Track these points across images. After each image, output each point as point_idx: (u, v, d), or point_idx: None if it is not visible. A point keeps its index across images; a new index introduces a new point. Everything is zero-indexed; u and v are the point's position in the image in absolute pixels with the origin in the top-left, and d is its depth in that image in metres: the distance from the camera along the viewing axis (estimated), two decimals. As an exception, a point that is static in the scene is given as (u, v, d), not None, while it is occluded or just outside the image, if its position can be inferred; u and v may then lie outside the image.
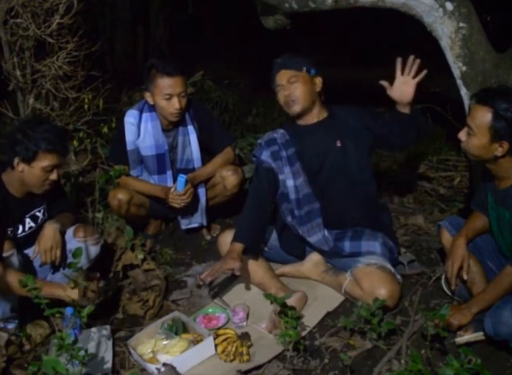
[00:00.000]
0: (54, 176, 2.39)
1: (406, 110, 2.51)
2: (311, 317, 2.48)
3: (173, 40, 6.99)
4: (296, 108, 2.58)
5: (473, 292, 2.30)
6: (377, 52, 6.11)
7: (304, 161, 2.63)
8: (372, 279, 2.42)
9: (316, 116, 2.64)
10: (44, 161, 2.33)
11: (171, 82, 2.82)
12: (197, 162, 3.05)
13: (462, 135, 2.17)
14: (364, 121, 2.61)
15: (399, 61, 2.47)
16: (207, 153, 3.10)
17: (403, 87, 2.46)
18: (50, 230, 2.46)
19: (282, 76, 2.58)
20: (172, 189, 2.89)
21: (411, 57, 2.45)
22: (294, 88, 2.56)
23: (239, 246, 2.52)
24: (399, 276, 2.52)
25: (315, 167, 2.63)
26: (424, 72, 2.44)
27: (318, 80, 2.63)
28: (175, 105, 2.85)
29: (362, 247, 2.56)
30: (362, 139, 2.60)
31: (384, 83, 2.50)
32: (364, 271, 2.46)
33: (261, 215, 2.62)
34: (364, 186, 2.63)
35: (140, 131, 2.96)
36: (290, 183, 2.61)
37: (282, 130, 2.69)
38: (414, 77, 2.45)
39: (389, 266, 2.50)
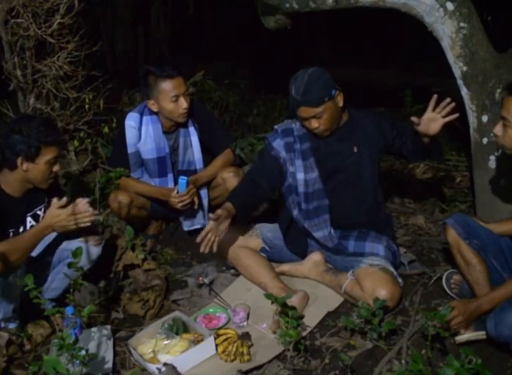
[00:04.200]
0: (57, 167, 2.42)
1: (426, 140, 2.48)
2: (312, 317, 2.48)
3: (173, 40, 6.99)
4: (327, 133, 2.55)
5: (476, 292, 2.28)
6: (375, 52, 6.12)
7: (319, 159, 2.61)
8: (374, 279, 2.42)
9: (338, 123, 2.59)
10: (48, 154, 2.35)
11: (175, 83, 2.83)
12: (199, 164, 3.05)
13: (498, 130, 2.13)
14: (381, 128, 2.58)
15: (434, 98, 2.42)
16: (208, 154, 3.10)
17: (431, 123, 2.42)
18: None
19: (305, 112, 2.47)
20: (174, 192, 2.90)
21: (447, 99, 2.40)
22: (321, 121, 2.48)
23: (230, 205, 2.54)
24: (400, 280, 2.52)
25: (329, 169, 2.61)
26: (456, 115, 2.39)
27: (340, 97, 2.51)
28: (183, 104, 2.86)
29: (366, 248, 2.56)
30: (376, 146, 2.59)
31: (414, 119, 2.44)
32: (366, 271, 2.46)
33: (255, 191, 2.63)
34: (372, 192, 2.63)
35: (141, 134, 2.96)
36: (301, 176, 2.60)
37: (300, 123, 2.61)
38: (445, 117, 2.41)
39: (391, 268, 2.51)
